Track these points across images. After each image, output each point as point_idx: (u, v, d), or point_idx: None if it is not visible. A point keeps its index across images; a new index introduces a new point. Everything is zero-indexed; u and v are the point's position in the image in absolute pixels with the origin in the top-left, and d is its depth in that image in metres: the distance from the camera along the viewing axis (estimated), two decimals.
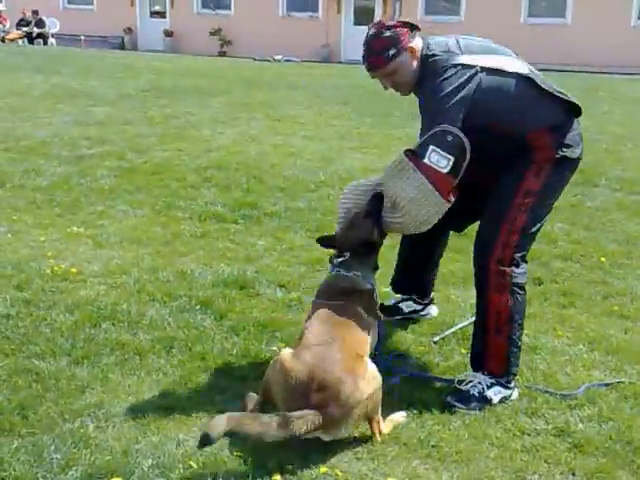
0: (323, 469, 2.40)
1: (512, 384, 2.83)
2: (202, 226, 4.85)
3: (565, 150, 2.84)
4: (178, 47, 23.87)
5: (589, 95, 13.31)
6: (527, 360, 3.08)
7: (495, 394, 2.78)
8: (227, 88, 11.52)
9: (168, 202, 5.32)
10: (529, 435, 2.60)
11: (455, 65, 2.70)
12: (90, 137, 7.39)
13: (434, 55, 2.76)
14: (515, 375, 2.85)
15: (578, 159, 2.93)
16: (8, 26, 22.57)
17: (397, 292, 3.56)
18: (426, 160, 2.66)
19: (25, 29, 22.16)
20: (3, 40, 21.53)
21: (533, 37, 20.16)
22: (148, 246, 4.42)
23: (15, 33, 22.19)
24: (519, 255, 2.82)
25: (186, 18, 24.59)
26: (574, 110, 2.89)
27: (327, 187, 5.84)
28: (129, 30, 25.21)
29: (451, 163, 2.65)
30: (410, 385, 2.91)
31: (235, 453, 2.44)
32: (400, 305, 3.54)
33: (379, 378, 2.55)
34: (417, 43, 2.80)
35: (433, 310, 3.58)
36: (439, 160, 2.65)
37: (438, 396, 2.84)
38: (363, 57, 2.83)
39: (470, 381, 2.82)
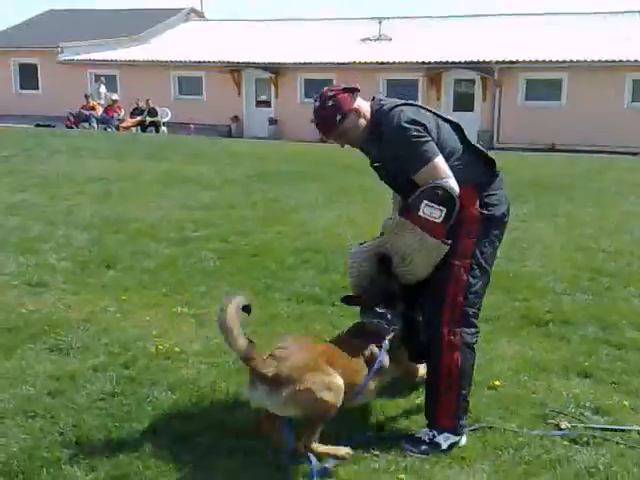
0: None
1: (461, 430, 3.02)
2: (299, 308, 4.92)
3: (491, 209, 3.02)
4: (282, 134, 24.82)
5: None
6: None
7: (445, 440, 2.98)
8: (326, 173, 11.83)
9: (267, 283, 5.44)
10: None
11: (412, 109, 3.06)
12: (196, 220, 7.72)
13: (388, 106, 3.08)
14: (464, 424, 3.04)
15: (503, 216, 3.11)
16: (122, 114, 23.92)
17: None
18: (420, 213, 2.94)
19: (139, 118, 23.52)
20: (118, 128, 22.82)
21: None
22: (247, 326, 4.49)
23: (129, 121, 23.48)
24: (468, 313, 3.00)
25: (290, 107, 25.65)
26: (492, 166, 3.09)
27: None
28: (236, 118, 26.48)
29: (443, 214, 2.92)
30: None
31: None
32: None
33: (338, 396, 2.79)
34: (360, 103, 3.12)
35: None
36: (432, 212, 2.93)
37: None
38: (316, 125, 3.16)
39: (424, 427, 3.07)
